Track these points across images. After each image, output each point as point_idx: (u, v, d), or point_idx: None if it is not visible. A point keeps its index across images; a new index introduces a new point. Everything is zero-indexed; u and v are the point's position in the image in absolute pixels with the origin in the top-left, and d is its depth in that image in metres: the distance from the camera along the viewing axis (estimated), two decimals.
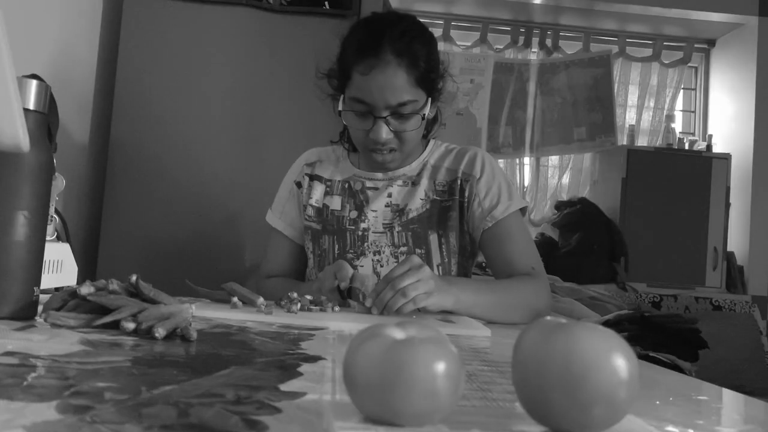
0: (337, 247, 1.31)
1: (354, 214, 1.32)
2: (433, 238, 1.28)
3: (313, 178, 1.38)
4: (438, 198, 1.31)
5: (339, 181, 1.36)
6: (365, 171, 1.35)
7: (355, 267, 1.26)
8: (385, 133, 1.21)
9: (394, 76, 1.17)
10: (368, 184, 1.34)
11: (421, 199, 1.31)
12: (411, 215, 1.30)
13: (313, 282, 1.25)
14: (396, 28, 1.20)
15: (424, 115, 1.24)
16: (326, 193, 1.36)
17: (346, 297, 1.13)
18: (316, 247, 1.34)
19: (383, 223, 1.30)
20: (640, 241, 3.19)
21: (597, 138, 3.51)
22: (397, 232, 1.29)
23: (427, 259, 1.27)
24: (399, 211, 1.31)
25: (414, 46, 1.19)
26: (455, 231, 1.29)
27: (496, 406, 0.47)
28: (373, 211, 1.31)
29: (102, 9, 1.99)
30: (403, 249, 1.28)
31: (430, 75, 1.23)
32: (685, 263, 3.25)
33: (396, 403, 0.37)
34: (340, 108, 1.25)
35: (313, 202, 1.36)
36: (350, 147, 1.38)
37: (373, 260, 1.28)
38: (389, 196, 1.32)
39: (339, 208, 1.33)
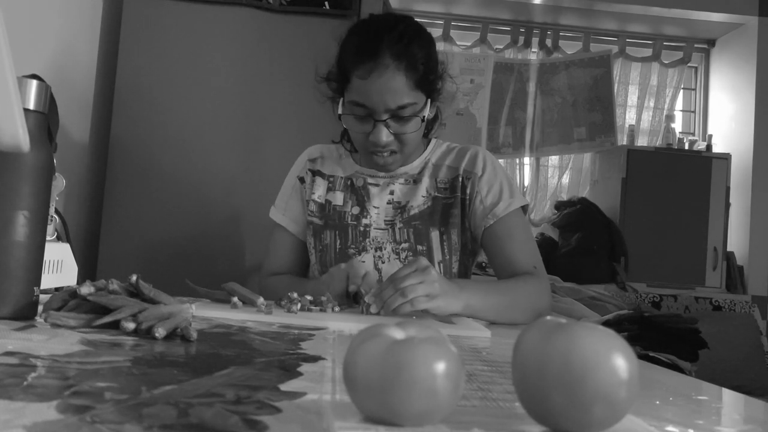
0: (338, 242, 1.31)
1: (356, 210, 1.33)
2: (435, 235, 1.29)
3: (315, 173, 1.39)
4: (440, 195, 1.32)
5: (341, 177, 1.37)
6: (367, 168, 1.36)
7: None
8: (385, 136, 1.21)
9: (393, 80, 1.17)
10: (370, 180, 1.35)
11: (423, 197, 1.31)
12: (413, 212, 1.30)
13: (319, 280, 1.24)
14: (394, 31, 1.20)
15: (424, 117, 1.24)
16: (328, 189, 1.36)
17: (353, 301, 1.13)
18: (318, 243, 1.34)
19: (385, 220, 1.31)
20: (640, 241, 3.18)
21: (597, 138, 3.51)
22: (399, 228, 1.30)
23: (429, 256, 1.27)
24: (401, 208, 1.31)
25: (412, 48, 1.19)
26: (457, 228, 1.30)
27: (496, 406, 0.47)
28: (375, 207, 1.32)
29: (102, 9, 1.99)
30: (405, 245, 1.28)
31: (429, 77, 1.23)
32: (685, 263, 3.24)
33: (396, 403, 0.37)
34: (339, 111, 1.25)
35: (315, 197, 1.36)
36: (351, 147, 1.38)
37: (374, 256, 1.29)
38: (391, 193, 1.33)
39: (341, 204, 1.34)
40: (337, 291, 1.13)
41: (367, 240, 1.30)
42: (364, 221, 1.31)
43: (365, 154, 1.30)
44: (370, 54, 1.18)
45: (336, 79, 1.27)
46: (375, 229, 1.31)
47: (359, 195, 1.34)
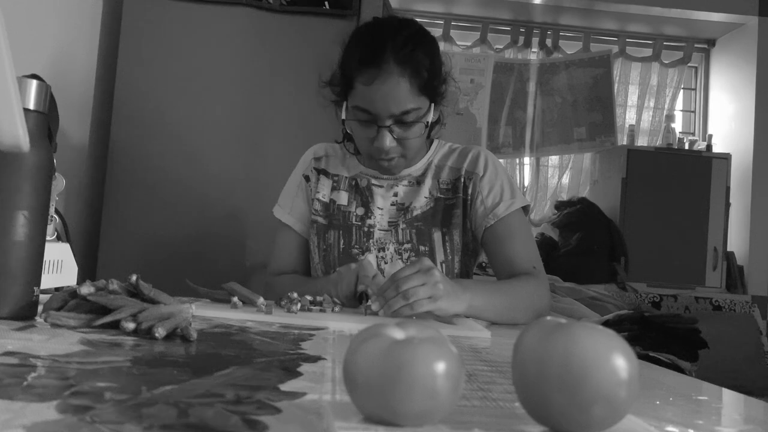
0: (342, 242, 1.32)
1: (361, 210, 1.33)
2: (437, 235, 1.29)
3: (320, 172, 1.39)
4: (442, 196, 1.32)
5: (346, 177, 1.37)
6: (371, 169, 1.36)
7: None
8: (388, 141, 1.21)
9: (397, 87, 1.17)
10: (374, 181, 1.35)
11: (426, 198, 1.32)
12: (415, 213, 1.31)
13: (327, 278, 1.23)
14: (398, 36, 1.19)
15: (428, 122, 1.24)
16: (333, 189, 1.36)
17: (359, 301, 1.13)
18: (321, 242, 1.34)
19: (388, 221, 1.31)
20: (640, 241, 3.18)
21: (597, 138, 3.51)
22: (402, 229, 1.30)
23: (431, 257, 1.27)
24: (404, 209, 1.32)
25: (416, 54, 1.19)
26: (459, 229, 1.30)
27: (496, 406, 0.47)
28: (379, 208, 1.33)
29: (102, 9, 1.99)
30: (407, 246, 1.29)
31: (432, 82, 1.23)
32: (685, 263, 3.24)
33: (396, 403, 0.37)
34: (343, 116, 1.25)
35: (320, 196, 1.36)
36: (354, 150, 1.38)
37: (377, 257, 1.30)
38: (395, 195, 1.33)
39: (345, 204, 1.34)
40: (345, 292, 1.13)
41: (371, 240, 1.30)
42: (369, 222, 1.32)
43: (369, 159, 1.30)
44: (374, 61, 1.17)
45: (339, 83, 1.27)
46: (379, 229, 1.31)
47: (363, 196, 1.34)
